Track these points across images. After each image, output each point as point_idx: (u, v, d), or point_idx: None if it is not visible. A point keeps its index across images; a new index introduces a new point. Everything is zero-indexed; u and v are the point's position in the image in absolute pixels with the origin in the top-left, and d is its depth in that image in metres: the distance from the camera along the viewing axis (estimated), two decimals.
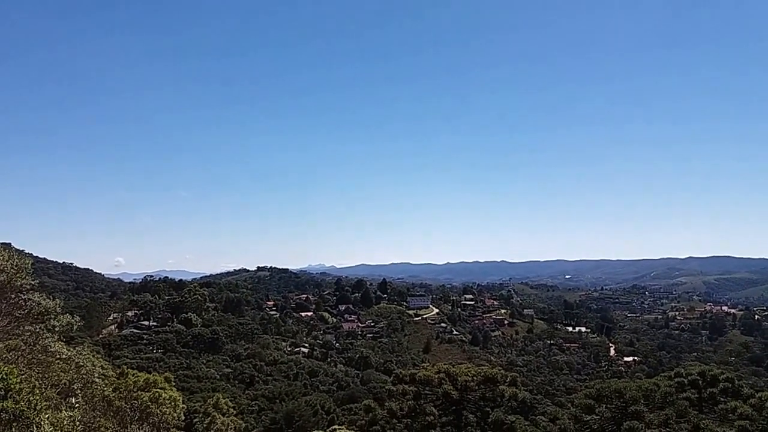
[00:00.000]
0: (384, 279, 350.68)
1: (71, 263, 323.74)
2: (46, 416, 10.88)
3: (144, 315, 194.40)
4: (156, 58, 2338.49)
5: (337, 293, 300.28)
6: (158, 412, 26.61)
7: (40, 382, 14.62)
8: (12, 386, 10.81)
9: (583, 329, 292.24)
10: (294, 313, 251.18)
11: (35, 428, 10.47)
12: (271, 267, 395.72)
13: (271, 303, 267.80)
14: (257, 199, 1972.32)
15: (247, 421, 75.51)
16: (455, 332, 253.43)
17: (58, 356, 17.82)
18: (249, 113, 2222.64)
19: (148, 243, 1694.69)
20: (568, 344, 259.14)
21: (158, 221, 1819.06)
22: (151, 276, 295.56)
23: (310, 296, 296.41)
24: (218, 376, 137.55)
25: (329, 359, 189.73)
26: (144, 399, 26.34)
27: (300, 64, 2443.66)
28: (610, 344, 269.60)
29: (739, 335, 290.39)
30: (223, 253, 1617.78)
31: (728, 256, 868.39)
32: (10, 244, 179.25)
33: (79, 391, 17.40)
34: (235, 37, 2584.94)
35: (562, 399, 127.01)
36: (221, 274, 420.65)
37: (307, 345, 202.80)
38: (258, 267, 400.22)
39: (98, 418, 18.82)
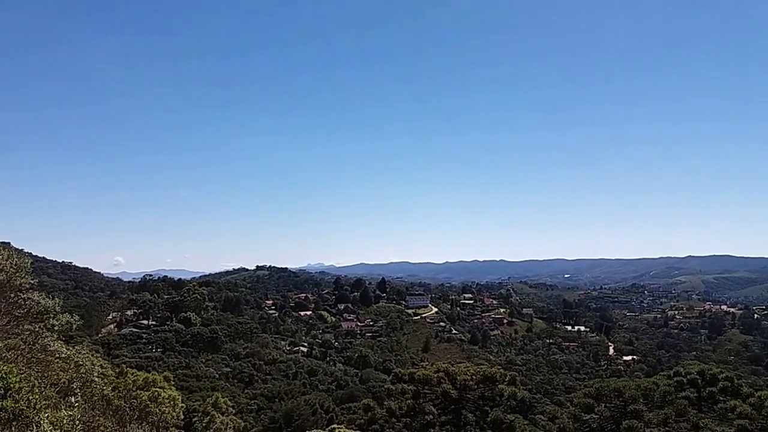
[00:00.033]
0: (383, 278, 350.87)
1: (70, 262, 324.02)
2: (46, 415, 10.88)
3: (143, 314, 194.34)
4: (155, 57, 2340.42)
5: (336, 292, 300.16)
6: (157, 411, 26.62)
7: (40, 381, 14.62)
8: (11, 385, 10.80)
9: (582, 328, 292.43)
10: (293, 312, 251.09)
11: (35, 427, 10.46)
12: (270, 266, 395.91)
13: (270, 302, 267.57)
14: (256, 198, 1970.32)
15: (246, 420, 75.55)
16: (454, 331, 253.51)
17: (57, 355, 17.82)
18: (248, 113, 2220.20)
19: (148, 242, 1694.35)
20: (567, 343, 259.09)
21: (157, 220, 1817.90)
22: (150, 275, 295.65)
23: (309, 295, 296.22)
24: (217, 375, 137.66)
25: (328, 358, 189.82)
26: (143, 398, 26.35)
27: (298, 63, 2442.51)
28: (609, 343, 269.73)
29: (739, 334, 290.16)
30: (222, 253, 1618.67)
31: (727, 255, 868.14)
32: (9, 243, 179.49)
33: (78, 390, 17.40)
34: (235, 36, 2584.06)
35: (562, 398, 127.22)
36: (220, 273, 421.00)
37: (306, 344, 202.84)
38: (257, 266, 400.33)
39: (97, 417, 18.82)
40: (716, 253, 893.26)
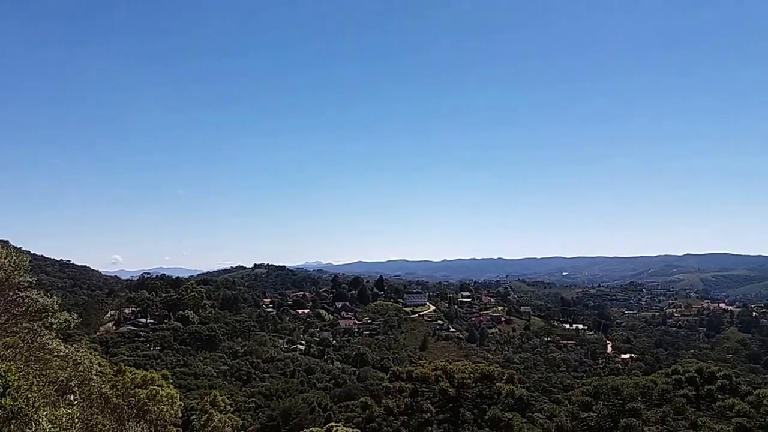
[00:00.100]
0: (381, 276, 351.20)
1: (68, 261, 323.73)
2: (45, 413, 10.87)
3: (141, 312, 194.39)
4: (154, 57, 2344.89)
5: (334, 290, 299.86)
6: (155, 409, 26.60)
7: (38, 379, 14.60)
8: (10, 383, 10.79)
9: (580, 326, 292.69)
10: (291, 311, 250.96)
11: (34, 425, 10.45)
12: (268, 264, 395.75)
13: (268, 300, 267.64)
14: (254, 196, 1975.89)
15: (244, 418, 75.55)
16: (452, 329, 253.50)
17: (55, 353, 17.79)
18: (246, 112, 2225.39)
19: (146, 240, 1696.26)
20: (565, 341, 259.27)
21: (155, 219, 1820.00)
22: (149, 273, 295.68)
23: (306, 293, 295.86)
24: (215, 374, 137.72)
25: (326, 356, 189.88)
26: (141, 396, 26.32)
27: (297, 63, 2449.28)
28: (607, 341, 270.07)
29: (737, 332, 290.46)
30: (220, 251, 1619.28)
31: (726, 253, 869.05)
32: (7, 241, 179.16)
33: (76, 388, 17.38)
34: (233, 36, 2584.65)
35: (559, 396, 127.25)
36: (218, 271, 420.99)
37: (303, 342, 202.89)
38: (255, 264, 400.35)
39: (96, 415, 18.80)
40: (714, 251, 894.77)
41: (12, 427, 10.32)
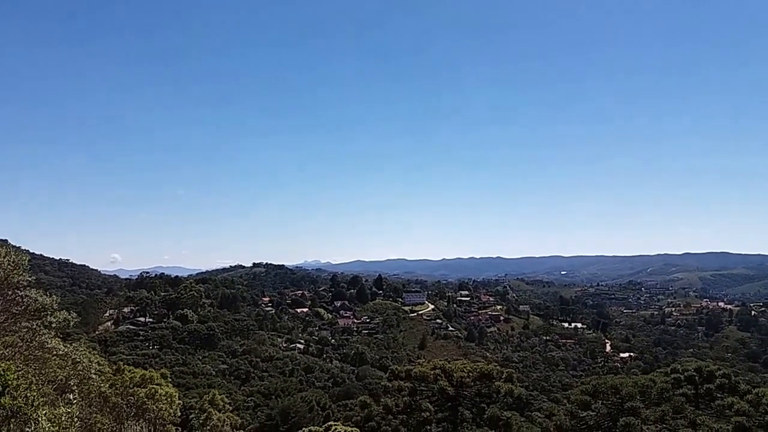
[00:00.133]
0: (379, 275, 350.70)
1: (67, 260, 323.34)
2: (44, 412, 10.87)
3: (140, 311, 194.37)
4: (154, 56, 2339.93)
5: (333, 289, 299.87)
6: (154, 408, 26.62)
7: (37, 378, 14.62)
8: (9, 382, 10.79)
9: (579, 325, 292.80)
10: (289, 309, 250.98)
11: (33, 424, 10.45)
12: (266, 263, 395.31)
13: (267, 299, 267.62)
14: (253, 196, 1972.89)
15: (243, 417, 75.49)
16: (451, 328, 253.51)
17: (54, 352, 17.79)
18: (245, 111, 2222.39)
19: (145, 239, 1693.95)
20: (563, 340, 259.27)
21: (154, 218, 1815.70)
22: (147, 272, 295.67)
23: (305, 292, 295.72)
24: (214, 372, 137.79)
25: (325, 355, 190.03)
26: (140, 395, 26.34)
27: (296, 62, 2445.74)
28: (606, 340, 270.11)
29: (736, 331, 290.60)
30: (219, 250, 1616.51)
31: (725, 252, 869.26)
32: (6, 240, 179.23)
33: (75, 387, 17.40)
34: (232, 36, 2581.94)
35: (558, 395, 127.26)
36: (217, 270, 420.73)
37: (302, 341, 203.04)
38: (254, 263, 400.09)
39: (95, 414, 18.82)
40: (713, 250, 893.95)
41: (11, 425, 10.32)
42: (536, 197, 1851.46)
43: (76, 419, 12.48)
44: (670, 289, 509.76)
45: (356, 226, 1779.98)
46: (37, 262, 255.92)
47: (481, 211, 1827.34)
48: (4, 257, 16.85)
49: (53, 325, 18.32)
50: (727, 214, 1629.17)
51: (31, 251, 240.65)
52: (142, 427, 23.73)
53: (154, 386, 28.34)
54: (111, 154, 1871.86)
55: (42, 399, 11.59)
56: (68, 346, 19.44)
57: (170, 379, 36.02)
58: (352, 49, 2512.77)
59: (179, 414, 30.15)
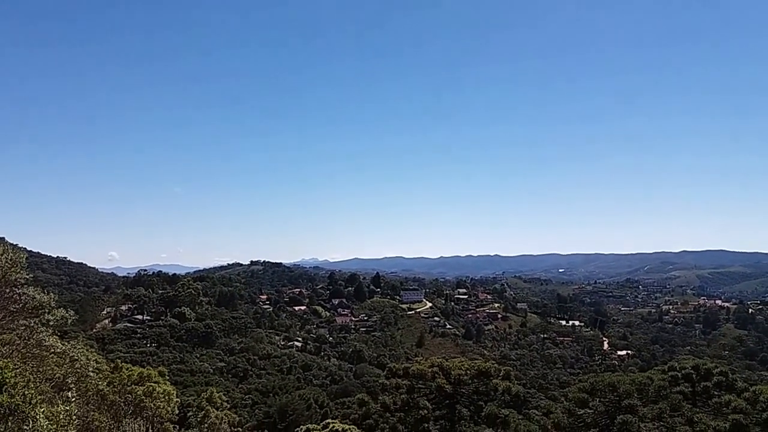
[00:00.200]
0: (377, 273, 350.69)
1: (65, 257, 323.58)
2: (42, 410, 10.86)
3: (138, 309, 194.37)
4: (152, 55, 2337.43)
5: (331, 287, 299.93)
6: (152, 406, 26.59)
7: (35, 376, 14.59)
8: (7, 380, 10.78)
9: (577, 323, 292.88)
10: (287, 307, 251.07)
11: (31, 422, 10.44)
12: (264, 261, 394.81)
13: (265, 297, 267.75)
14: (251, 194, 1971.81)
15: (241, 414, 75.43)
16: (448, 326, 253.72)
17: (52, 350, 17.77)
18: (242, 110, 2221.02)
19: (142, 237, 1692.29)
20: (561, 338, 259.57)
21: (152, 215, 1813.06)
22: (145, 270, 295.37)
23: (303, 290, 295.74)
24: (212, 370, 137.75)
25: (322, 353, 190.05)
26: (138, 393, 26.31)
27: (294, 61, 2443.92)
28: (604, 338, 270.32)
29: (733, 329, 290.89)
30: (216, 248, 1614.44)
31: (722, 250, 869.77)
32: (3, 238, 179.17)
33: (73, 385, 17.36)
34: (230, 34, 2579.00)
35: (556, 393, 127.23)
36: (215, 268, 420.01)
37: (300, 339, 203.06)
38: (251, 261, 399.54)
39: (92, 412, 18.79)
40: (711, 248, 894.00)
41: (9, 423, 10.31)
42: (534, 195, 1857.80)
43: (74, 417, 12.47)
44: (668, 286, 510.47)
45: (354, 224, 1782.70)
46: (35, 259, 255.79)
47: (479, 209, 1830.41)
48: (1, 255, 16.83)
49: (51, 323, 18.31)
50: (724, 212, 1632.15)
51: (28, 249, 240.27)
52: (139, 425, 23.71)
53: (152, 384, 28.30)
54: (108, 152, 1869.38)
55: (40, 397, 11.59)
56: (66, 344, 19.42)
57: (168, 377, 35.99)
58: (350, 48, 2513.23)
59: (177, 412, 30.08)
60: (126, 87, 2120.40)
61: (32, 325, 17.45)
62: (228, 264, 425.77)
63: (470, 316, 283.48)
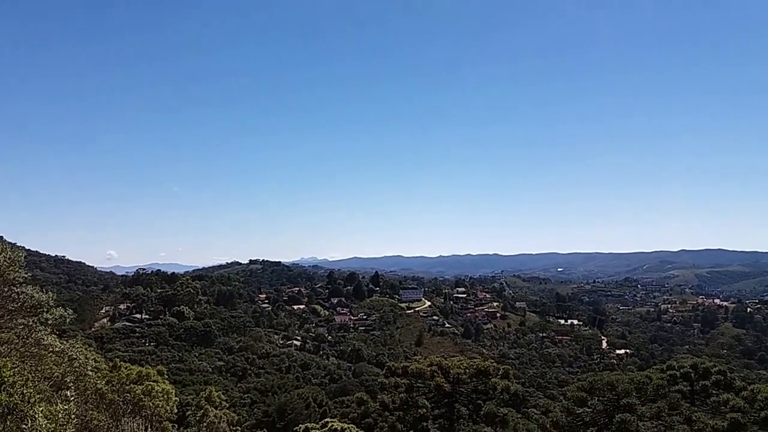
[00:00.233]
0: (376, 272, 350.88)
1: (63, 256, 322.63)
2: (40, 409, 10.86)
3: (136, 308, 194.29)
4: (150, 55, 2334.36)
5: (330, 286, 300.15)
6: (151, 405, 26.59)
7: (34, 374, 14.60)
8: (5, 379, 10.78)
9: (576, 322, 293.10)
10: (286, 306, 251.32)
11: (29, 421, 10.44)
12: (263, 260, 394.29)
13: (264, 296, 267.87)
14: (250, 193, 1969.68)
15: (240, 413, 75.42)
16: (447, 325, 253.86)
17: (50, 349, 17.76)
18: (241, 109, 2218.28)
19: (141, 236, 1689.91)
20: (560, 337, 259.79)
21: (150, 214, 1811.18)
22: (144, 269, 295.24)
23: (302, 289, 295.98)
24: (210, 369, 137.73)
25: (321, 352, 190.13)
26: (137, 392, 26.31)
27: (293, 60, 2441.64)
28: (602, 337, 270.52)
29: (731, 328, 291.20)
30: (215, 246, 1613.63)
31: (721, 249, 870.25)
32: (2, 236, 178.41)
33: (71, 384, 17.36)
34: (229, 33, 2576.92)
35: (555, 392, 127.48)
36: (213, 267, 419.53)
37: (299, 338, 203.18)
38: (250, 260, 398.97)
39: (91, 411, 18.80)
40: (709, 247, 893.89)
41: (8, 422, 10.31)
42: (533, 194, 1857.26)
43: (72, 416, 12.47)
44: (666, 285, 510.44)
45: (353, 223, 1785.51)
46: (33, 258, 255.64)
47: (478, 208, 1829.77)
48: (0, 254, 16.82)
49: (49, 322, 18.29)
50: (723, 212, 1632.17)
51: (26, 248, 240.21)
52: (138, 424, 23.69)
53: (151, 383, 28.31)
54: (107, 151, 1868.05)
55: (38, 396, 11.59)
56: (64, 343, 19.41)
57: (167, 376, 36.00)
58: (349, 48, 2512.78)
59: (176, 411, 30.08)
60: (124, 86, 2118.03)
61: (31, 323, 17.45)
62: (227, 263, 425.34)
63: (469, 315, 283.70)
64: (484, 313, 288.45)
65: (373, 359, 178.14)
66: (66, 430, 11.60)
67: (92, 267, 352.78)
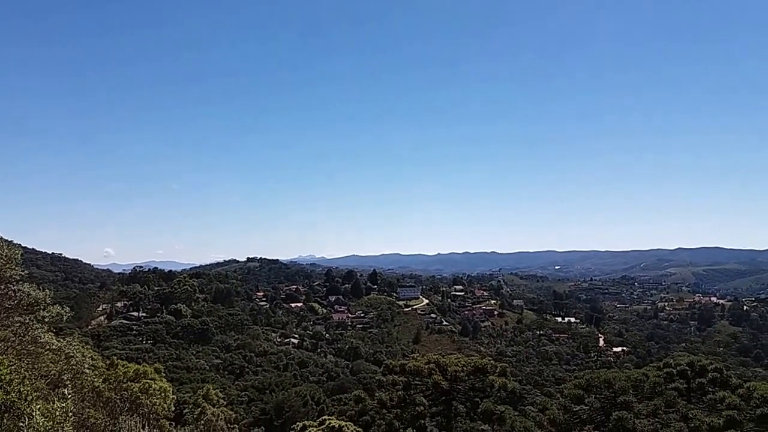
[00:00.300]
0: (374, 270, 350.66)
1: (60, 254, 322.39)
2: (38, 407, 10.86)
3: (133, 306, 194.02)
4: (149, 52, 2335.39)
5: (327, 284, 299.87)
6: (148, 402, 26.61)
7: (30, 372, 14.57)
8: (2, 377, 10.77)
9: (573, 320, 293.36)
10: (284, 304, 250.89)
11: (27, 419, 10.44)
12: (261, 258, 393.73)
13: (261, 294, 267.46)
14: (248, 190, 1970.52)
15: (237, 411, 75.47)
16: (445, 323, 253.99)
17: (47, 347, 17.74)
18: (239, 107, 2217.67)
19: (138, 234, 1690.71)
20: (557, 335, 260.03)
21: (148, 212, 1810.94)
22: (141, 267, 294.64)
23: (300, 287, 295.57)
24: (208, 367, 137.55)
25: (319, 350, 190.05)
26: (134, 390, 26.33)
27: (290, 58, 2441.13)
28: (599, 335, 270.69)
29: (728, 326, 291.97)
30: (213, 244, 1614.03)
31: (717, 247, 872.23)
32: None
33: (69, 382, 17.34)
34: (227, 31, 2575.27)
35: (552, 389, 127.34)
36: (211, 264, 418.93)
37: (296, 336, 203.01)
38: (248, 258, 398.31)
39: (88, 409, 18.79)
40: (706, 246, 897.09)
41: (5, 420, 10.31)
42: (531, 193, 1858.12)
43: (70, 414, 12.48)
44: (663, 283, 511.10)
45: (351, 221, 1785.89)
46: (30, 256, 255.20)
47: (476, 206, 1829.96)
48: None
49: (46, 320, 18.27)
50: (719, 210, 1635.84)
51: (23, 245, 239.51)
52: (135, 422, 23.70)
53: (148, 381, 28.33)
54: (105, 148, 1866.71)
55: (35, 394, 11.58)
56: (61, 340, 19.40)
57: (164, 374, 36.04)
58: (348, 46, 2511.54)
59: (173, 409, 30.12)
60: (123, 84, 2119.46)
61: (27, 321, 17.42)
62: (224, 261, 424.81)
63: (467, 312, 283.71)
64: (481, 310, 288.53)
65: (370, 357, 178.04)
66: (63, 427, 11.60)
67: (89, 265, 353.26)
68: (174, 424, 34.21)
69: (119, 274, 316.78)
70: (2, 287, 17.03)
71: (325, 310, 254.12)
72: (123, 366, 30.43)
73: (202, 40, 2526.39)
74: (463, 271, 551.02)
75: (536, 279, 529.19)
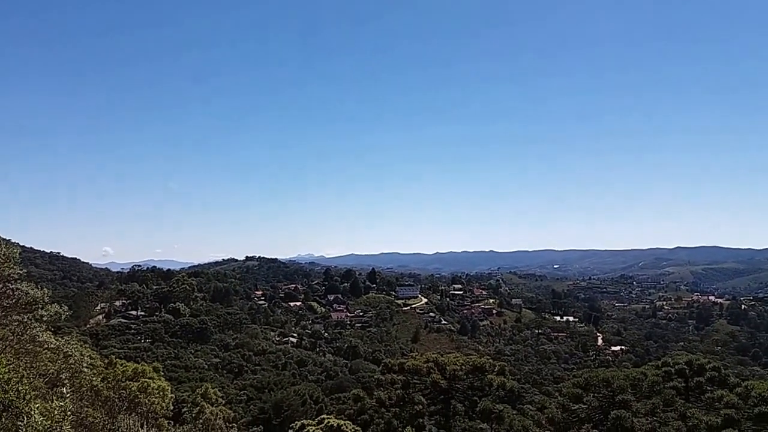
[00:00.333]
0: (373, 268, 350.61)
1: (58, 253, 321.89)
2: (36, 406, 10.85)
3: (132, 305, 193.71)
4: (148, 52, 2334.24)
5: (326, 283, 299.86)
6: (147, 401, 26.61)
7: (29, 371, 14.58)
8: (0, 376, 10.77)
9: (571, 319, 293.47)
10: (282, 303, 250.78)
11: (25, 418, 10.43)
12: (259, 257, 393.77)
13: (260, 293, 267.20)
14: (246, 189, 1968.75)
15: (236, 410, 75.45)
16: (444, 322, 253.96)
17: (46, 346, 17.74)
18: (238, 106, 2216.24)
19: (136, 232, 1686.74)
20: (555, 333, 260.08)
21: (146, 211, 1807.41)
22: (139, 265, 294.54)
23: (298, 286, 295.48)
24: (206, 366, 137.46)
25: (318, 349, 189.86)
26: (132, 389, 26.33)
27: (289, 58, 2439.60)
28: (598, 333, 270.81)
29: (726, 325, 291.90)
30: (211, 243, 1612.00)
31: (716, 247, 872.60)
32: None
33: (67, 381, 17.34)
34: (225, 30, 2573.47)
35: (550, 388, 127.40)
36: (210, 263, 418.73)
37: (295, 335, 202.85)
38: (246, 257, 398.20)
39: (87, 408, 18.79)
40: (704, 245, 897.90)
41: (3, 419, 10.30)
42: (529, 192, 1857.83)
43: (68, 413, 12.47)
44: (662, 282, 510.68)
45: (350, 220, 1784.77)
46: (28, 255, 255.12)
47: (475, 205, 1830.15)
48: None
49: (44, 319, 18.26)
50: (718, 209, 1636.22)
51: (21, 244, 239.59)
52: (134, 421, 23.68)
53: (147, 380, 28.32)
54: (103, 147, 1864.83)
55: (34, 393, 11.57)
56: (60, 339, 19.41)
57: (162, 373, 36.07)
58: (347, 45, 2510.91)
59: (172, 408, 30.12)
60: (121, 83, 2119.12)
61: (26, 320, 17.42)
62: (223, 259, 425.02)
63: (465, 311, 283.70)
64: (480, 309, 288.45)
65: (369, 356, 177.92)
66: (62, 427, 11.59)
67: (87, 263, 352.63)
68: (172, 423, 34.21)
69: (118, 272, 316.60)
70: (0, 286, 17.02)
71: (323, 309, 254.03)
72: (121, 365, 30.42)
73: (202, 40, 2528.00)
74: (462, 270, 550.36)
75: (535, 278, 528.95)
